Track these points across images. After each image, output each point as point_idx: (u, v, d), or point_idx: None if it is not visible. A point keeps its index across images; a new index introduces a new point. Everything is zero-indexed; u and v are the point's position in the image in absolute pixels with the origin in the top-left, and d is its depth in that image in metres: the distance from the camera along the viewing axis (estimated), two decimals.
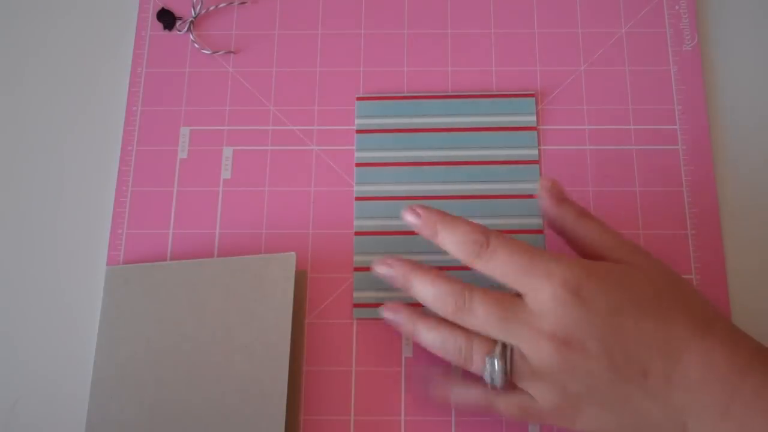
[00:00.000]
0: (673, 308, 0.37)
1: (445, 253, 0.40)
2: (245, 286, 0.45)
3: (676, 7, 0.52)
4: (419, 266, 0.41)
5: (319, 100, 0.50)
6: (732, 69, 0.51)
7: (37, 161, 0.50)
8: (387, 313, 0.42)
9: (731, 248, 0.46)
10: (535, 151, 0.48)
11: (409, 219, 0.41)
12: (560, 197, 0.41)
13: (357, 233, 0.47)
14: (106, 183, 0.49)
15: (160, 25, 0.53)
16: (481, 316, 0.38)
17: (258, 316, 0.44)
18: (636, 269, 0.38)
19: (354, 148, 0.49)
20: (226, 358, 0.43)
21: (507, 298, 0.38)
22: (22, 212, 0.49)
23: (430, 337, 0.40)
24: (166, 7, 0.53)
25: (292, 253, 0.45)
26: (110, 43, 0.53)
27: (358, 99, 0.50)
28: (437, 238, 0.40)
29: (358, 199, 0.48)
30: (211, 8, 0.53)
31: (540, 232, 0.46)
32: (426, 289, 0.39)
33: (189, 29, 0.52)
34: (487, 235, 0.39)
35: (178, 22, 0.53)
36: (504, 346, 0.37)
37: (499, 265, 0.38)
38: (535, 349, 0.36)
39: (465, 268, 0.42)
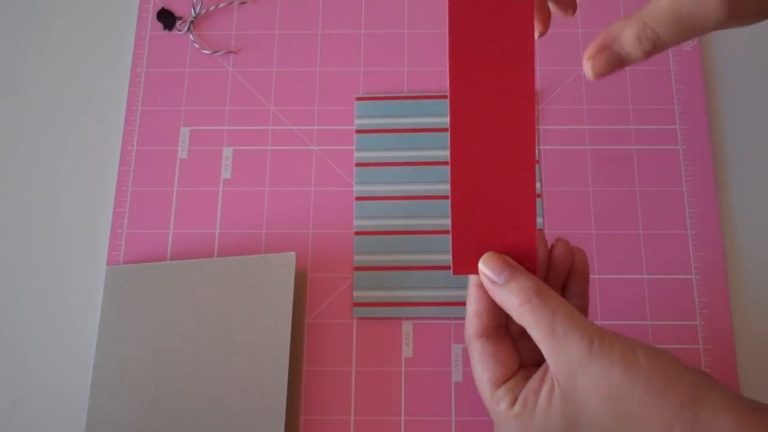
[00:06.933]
0: None
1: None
2: (245, 286, 0.45)
3: None
4: None
5: (319, 100, 0.50)
6: (732, 69, 0.51)
7: (38, 161, 0.50)
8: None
9: (731, 248, 0.46)
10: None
11: None
12: (510, 275, 0.33)
13: (357, 233, 0.47)
14: (106, 183, 0.49)
15: (160, 25, 0.53)
16: None
17: (258, 316, 0.44)
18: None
19: (354, 148, 0.49)
20: (226, 358, 0.43)
21: None
22: (23, 212, 0.49)
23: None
24: (166, 7, 0.53)
25: (292, 253, 0.45)
26: (110, 43, 0.53)
27: (358, 99, 0.50)
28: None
29: (358, 199, 0.48)
30: (211, 8, 0.53)
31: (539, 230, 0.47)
32: None
33: (189, 29, 0.52)
34: None
35: (178, 22, 0.53)
36: None
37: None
38: None
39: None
